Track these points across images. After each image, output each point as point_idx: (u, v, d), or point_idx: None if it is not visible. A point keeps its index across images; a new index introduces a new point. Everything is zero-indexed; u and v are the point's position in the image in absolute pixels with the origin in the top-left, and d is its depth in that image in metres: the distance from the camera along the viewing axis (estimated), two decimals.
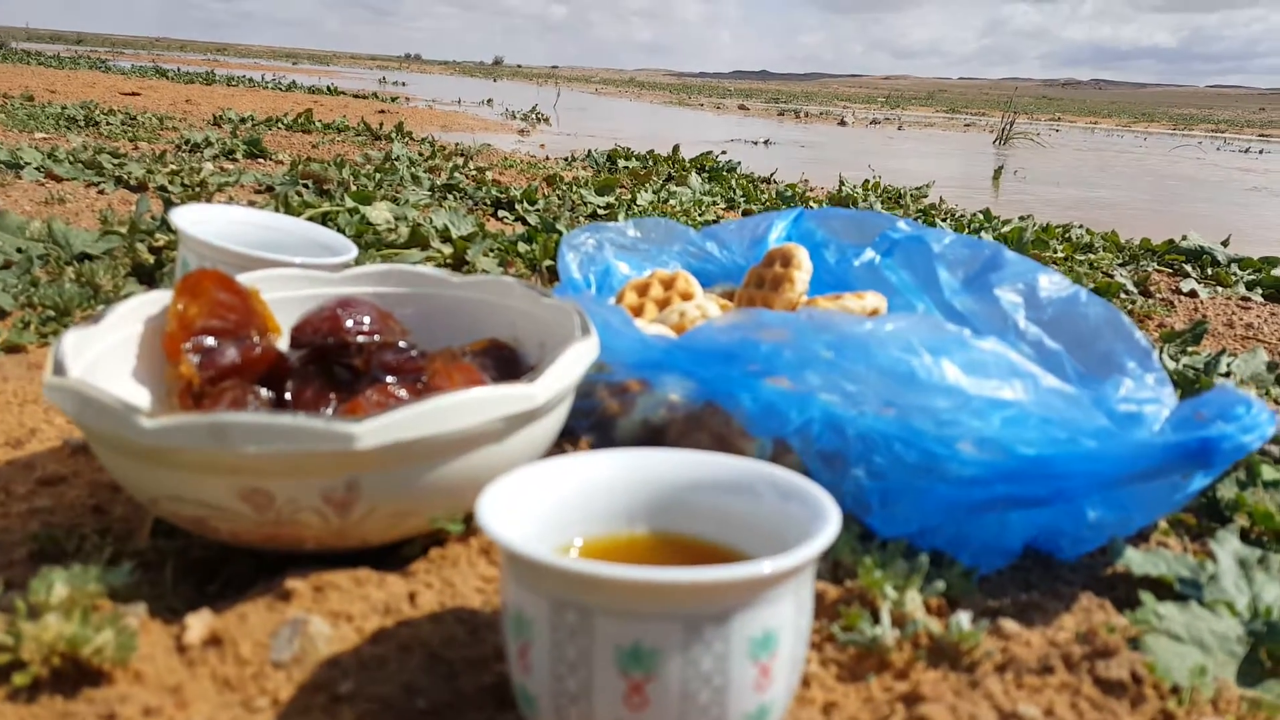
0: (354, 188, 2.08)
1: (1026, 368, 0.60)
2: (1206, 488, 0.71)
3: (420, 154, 3.08)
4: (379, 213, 1.52)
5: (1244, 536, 0.69)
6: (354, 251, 0.98)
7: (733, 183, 2.87)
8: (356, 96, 7.37)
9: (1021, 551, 0.65)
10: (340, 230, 1.47)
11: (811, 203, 2.47)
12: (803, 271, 0.85)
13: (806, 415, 0.62)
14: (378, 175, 2.29)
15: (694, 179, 2.75)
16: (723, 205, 2.44)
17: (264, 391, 0.69)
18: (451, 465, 0.56)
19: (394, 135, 3.73)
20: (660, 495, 0.52)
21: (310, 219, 1.47)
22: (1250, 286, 1.81)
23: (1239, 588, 0.58)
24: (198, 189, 1.92)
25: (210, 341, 0.71)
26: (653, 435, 0.73)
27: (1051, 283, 0.83)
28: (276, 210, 1.48)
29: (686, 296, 0.89)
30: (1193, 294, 1.73)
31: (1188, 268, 1.94)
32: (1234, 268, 1.92)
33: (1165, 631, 0.54)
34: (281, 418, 0.51)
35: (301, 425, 0.51)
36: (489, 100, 9.58)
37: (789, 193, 2.62)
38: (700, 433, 0.69)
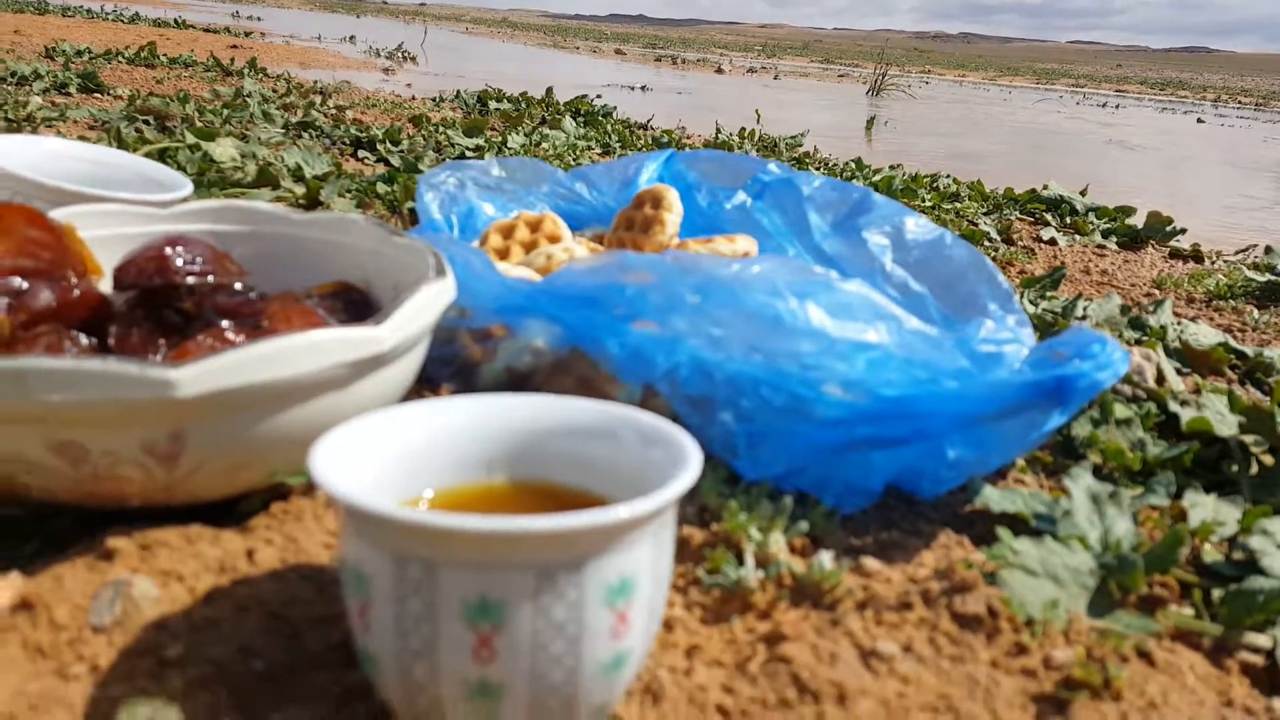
0: (198, 124, 1.94)
1: (890, 310, 0.60)
2: (1062, 426, 0.73)
3: (275, 90, 2.90)
4: (224, 149, 1.42)
5: (1097, 472, 0.72)
6: (188, 188, 0.90)
7: (608, 128, 2.82)
8: (207, 31, 6.92)
9: (884, 491, 0.65)
10: (180, 168, 1.36)
11: (688, 149, 2.45)
12: (673, 214, 0.83)
13: (674, 359, 0.60)
14: (226, 111, 2.15)
15: (568, 123, 2.69)
16: (598, 150, 2.39)
17: (84, 338, 0.63)
18: (291, 414, 0.52)
19: (246, 71, 3.51)
20: (519, 442, 0.49)
21: (147, 155, 1.35)
22: (1106, 235, 1.89)
23: (1091, 522, 0.60)
24: (23, 124, 1.75)
25: (21, 283, 0.63)
26: (518, 382, 0.70)
27: (918, 225, 0.83)
28: (109, 145, 1.36)
29: (554, 239, 0.86)
30: (1052, 242, 1.80)
31: (1048, 216, 2.01)
32: (1091, 216, 2.01)
33: (1020, 566, 0.55)
34: (90, 362, 0.45)
35: (113, 370, 0.45)
36: (351, 37, 9.18)
37: (665, 139, 2.59)
38: (566, 378, 0.66)
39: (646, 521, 0.39)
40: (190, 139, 1.42)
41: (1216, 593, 0.56)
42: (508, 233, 0.88)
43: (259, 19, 12.50)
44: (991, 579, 0.55)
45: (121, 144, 1.35)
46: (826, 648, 0.49)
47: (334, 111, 2.53)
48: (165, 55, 3.73)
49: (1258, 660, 0.52)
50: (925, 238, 0.83)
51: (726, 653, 0.49)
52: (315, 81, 3.50)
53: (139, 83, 2.90)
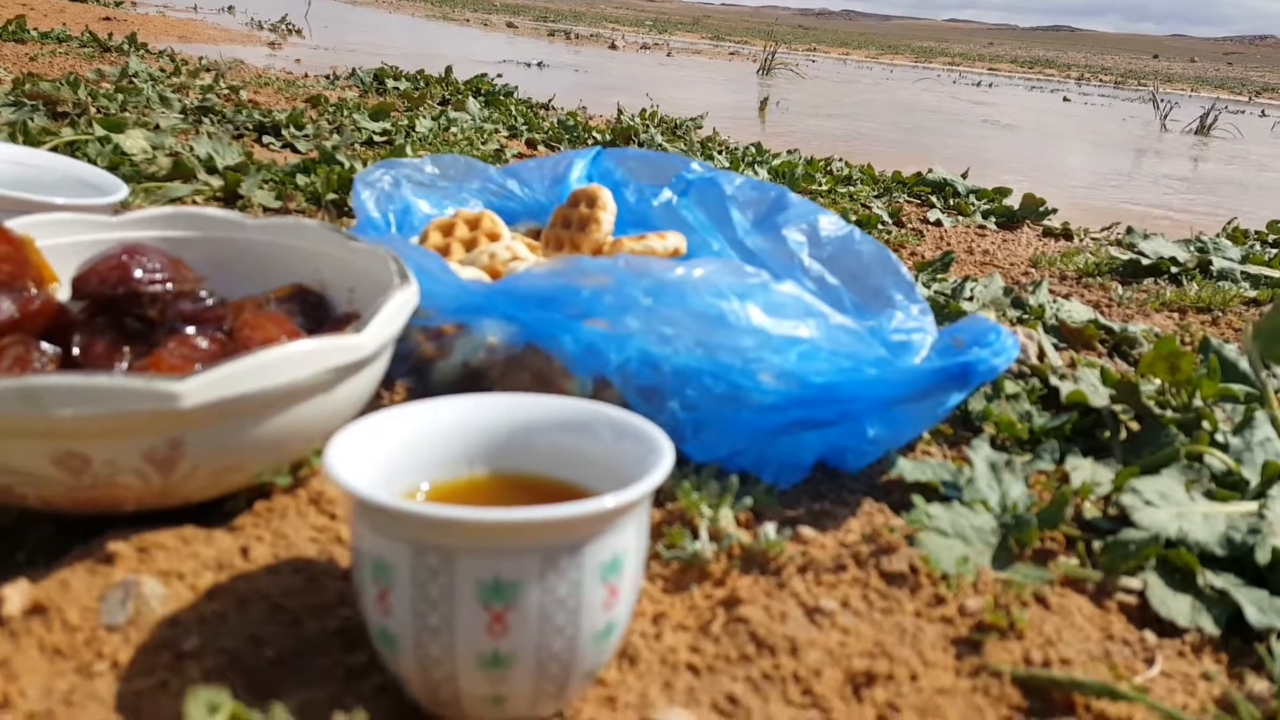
0: (94, 110, 1.88)
1: (818, 307, 0.67)
2: (960, 403, 0.82)
3: (162, 70, 2.81)
4: (135, 141, 1.40)
5: (991, 442, 0.81)
6: (124, 190, 0.91)
7: (512, 108, 2.84)
8: (74, 0, 6.54)
9: (813, 467, 0.73)
10: (90, 161, 1.34)
11: (594, 133, 2.49)
12: (608, 212, 0.88)
13: (625, 354, 0.66)
14: (120, 95, 2.08)
15: (472, 104, 2.70)
16: (505, 133, 2.41)
17: (49, 347, 0.64)
18: (279, 419, 0.55)
19: (128, 47, 3.38)
20: (499, 437, 0.54)
21: (55, 149, 1.32)
22: (985, 215, 2.03)
23: (991, 487, 0.68)
24: None
25: None
26: (472, 377, 0.75)
27: (830, 223, 0.91)
28: (14, 140, 1.32)
29: (493, 237, 0.90)
30: (938, 223, 1.92)
31: (933, 199, 2.14)
32: (972, 198, 2.15)
33: (934, 528, 0.63)
34: (99, 378, 0.48)
35: (121, 385, 0.48)
36: (230, 7, 8.81)
37: (570, 121, 2.62)
38: (522, 373, 0.71)
39: (633, 507, 0.45)
40: (99, 130, 1.39)
41: (1097, 544, 0.66)
42: (447, 230, 0.92)
43: None
44: (911, 541, 0.63)
45: (28, 139, 1.32)
46: (777, 607, 0.56)
47: (228, 93, 2.48)
48: (35, 29, 3.55)
49: (1131, 600, 0.61)
50: (837, 234, 0.90)
51: (689, 617, 0.56)
52: (201, 59, 3.39)
53: (12, 60, 2.76)
